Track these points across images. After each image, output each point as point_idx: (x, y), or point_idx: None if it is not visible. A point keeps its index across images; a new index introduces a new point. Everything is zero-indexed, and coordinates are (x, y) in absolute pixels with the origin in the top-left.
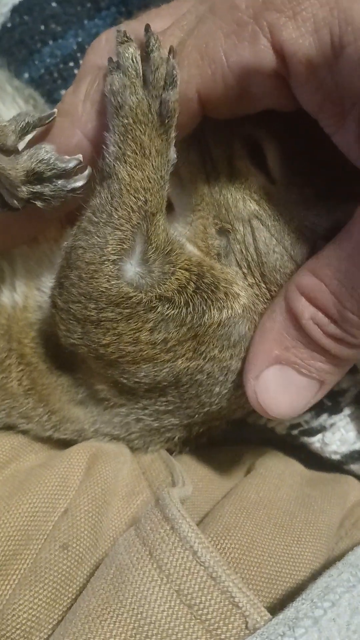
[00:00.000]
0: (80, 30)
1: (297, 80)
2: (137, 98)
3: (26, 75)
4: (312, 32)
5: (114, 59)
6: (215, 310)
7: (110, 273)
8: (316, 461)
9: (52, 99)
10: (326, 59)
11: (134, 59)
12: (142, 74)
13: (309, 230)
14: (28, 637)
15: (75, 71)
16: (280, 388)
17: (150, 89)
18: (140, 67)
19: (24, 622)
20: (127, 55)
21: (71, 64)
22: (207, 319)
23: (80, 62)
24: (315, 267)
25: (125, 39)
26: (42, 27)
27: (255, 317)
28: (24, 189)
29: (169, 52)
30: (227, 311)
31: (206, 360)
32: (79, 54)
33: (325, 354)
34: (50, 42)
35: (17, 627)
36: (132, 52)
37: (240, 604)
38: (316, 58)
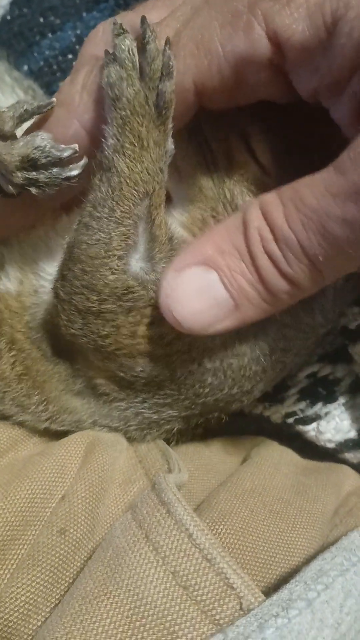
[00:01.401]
0: (78, 22)
1: (293, 65)
2: (134, 90)
3: (25, 67)
4: (305, 17)
5: (110, 51)
6: None
7: (116, 267)
8: (311, 450)
9: (51, 90)
10: (321, 40)
11: (131, 51)
12: (139, 66)
13: None
14: (26, 619)
15: (74, 63)
16: (196, 292)
17: (147, 81)
18: (137, 59)
19: (21, 605)
20: (123, 47)
21: (70, 56)
22: None
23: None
24: (282, 188)
25: (122, 30)
26: (41, 20)
27: None
28: (19, 174)
29: (165, 43)
30: None
31: (197, 350)
32: (77, 47)
33: (254, 272)
34: (49, 35)
35: (15, 609)
36: (128, 44)
37: (234, 586)
38: (310, 41)
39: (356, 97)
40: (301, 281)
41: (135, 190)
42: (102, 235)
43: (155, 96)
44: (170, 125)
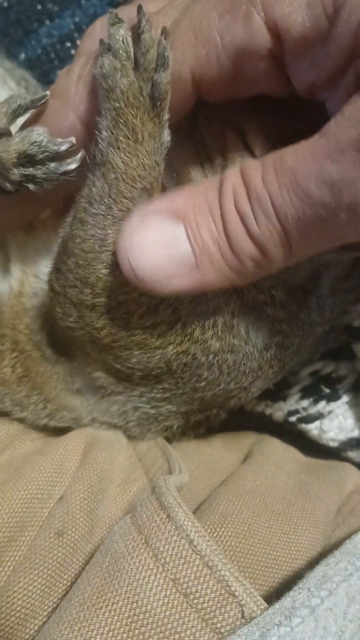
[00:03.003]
0: (77, 9)
1: (292, 56)
2: (128, 81)
3: (23, 55)
4: (304, 7)
5: (106, 41)
6: None
7: (109, 261)
8: (314, 448)
9: (49, 79)
10: (321, 30)
11: (125, 41)
12: (134, 56)
13: None
14: (22, 624)
15: (72, 51)
16: (158, 241)
17: (142, 71)
18: (132, 49)
19: (18, 609)
20: (117, 37)
21: (68, 44)
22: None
23: (78, 42)
24: (265, 156)
25: (117, 20)
26: (39, 7)
27: (234, 296)
28: (15, 171)
29: (161, 33)
30: None
31: (191, 342)
32: (75, 34)
33: (222, 231)
34: (47, 22)
35: (12, 614)
36: (123, 33)
37: (236, 593)
38: (310, 32)
39: (351, 87)
40: (268, 247)
41: (132, 187)
42: (98, 231)
43: (150, 87)
44: (166, 117)
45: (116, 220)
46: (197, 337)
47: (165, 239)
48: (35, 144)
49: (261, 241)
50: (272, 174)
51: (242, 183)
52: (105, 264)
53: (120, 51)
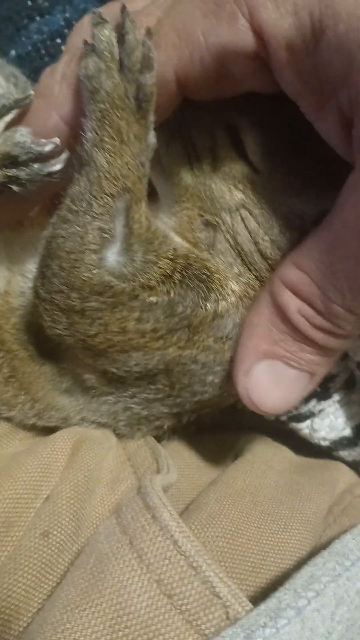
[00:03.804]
0: (67, 5)
1: (277, 63)
2: (113, 82)
3: (13, 52)
4: (292, 14)
5: (89, 42)
6: (211, 302)
7: (91, 262)
8: (305, 447)
9: (39, 76)
10: (306, 43)
11: (110, 42)
12: (118, 57)
13: (297, 217)
14: (6, 625)
15: (63, 48)
16: (272, 382)
17: (127, 73)
18: (116, 50)
19: (2, 610)
20: (102, 37)
21: (58, 40)
22: (202, 310)
23: (68, 38)
24: (299, 259)
25: (100, 20)
26: (29, 3)
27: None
28: None
29: (146, 34)
30: (223, 302)
31: (200, 349)
32: (66, 30)
33: (313, 345)
34: (38, 18)
35: None
36: (107, 34)
37: (221, 594)
38: (296, 41)
39: (341, 111)
40: (355, 330)
41: (114, 184)
42: (78, 229)
43: (135, 89)
44: (151, 119)
45: (96, 217)
46: (209, 345)
47: (274, 379)
48: (19, 145)
49: (349, 333)
50: (330, 288)
51: (305, 304)
52: (88, 267)
53: (105, 52)
